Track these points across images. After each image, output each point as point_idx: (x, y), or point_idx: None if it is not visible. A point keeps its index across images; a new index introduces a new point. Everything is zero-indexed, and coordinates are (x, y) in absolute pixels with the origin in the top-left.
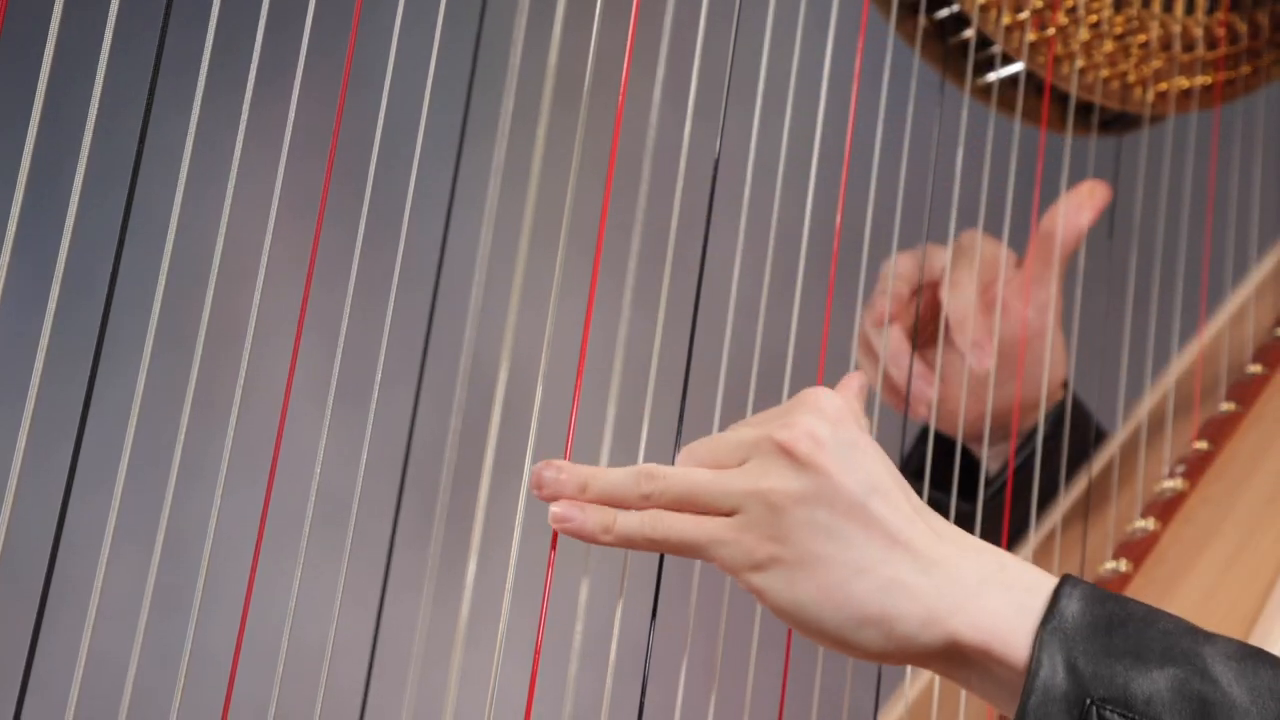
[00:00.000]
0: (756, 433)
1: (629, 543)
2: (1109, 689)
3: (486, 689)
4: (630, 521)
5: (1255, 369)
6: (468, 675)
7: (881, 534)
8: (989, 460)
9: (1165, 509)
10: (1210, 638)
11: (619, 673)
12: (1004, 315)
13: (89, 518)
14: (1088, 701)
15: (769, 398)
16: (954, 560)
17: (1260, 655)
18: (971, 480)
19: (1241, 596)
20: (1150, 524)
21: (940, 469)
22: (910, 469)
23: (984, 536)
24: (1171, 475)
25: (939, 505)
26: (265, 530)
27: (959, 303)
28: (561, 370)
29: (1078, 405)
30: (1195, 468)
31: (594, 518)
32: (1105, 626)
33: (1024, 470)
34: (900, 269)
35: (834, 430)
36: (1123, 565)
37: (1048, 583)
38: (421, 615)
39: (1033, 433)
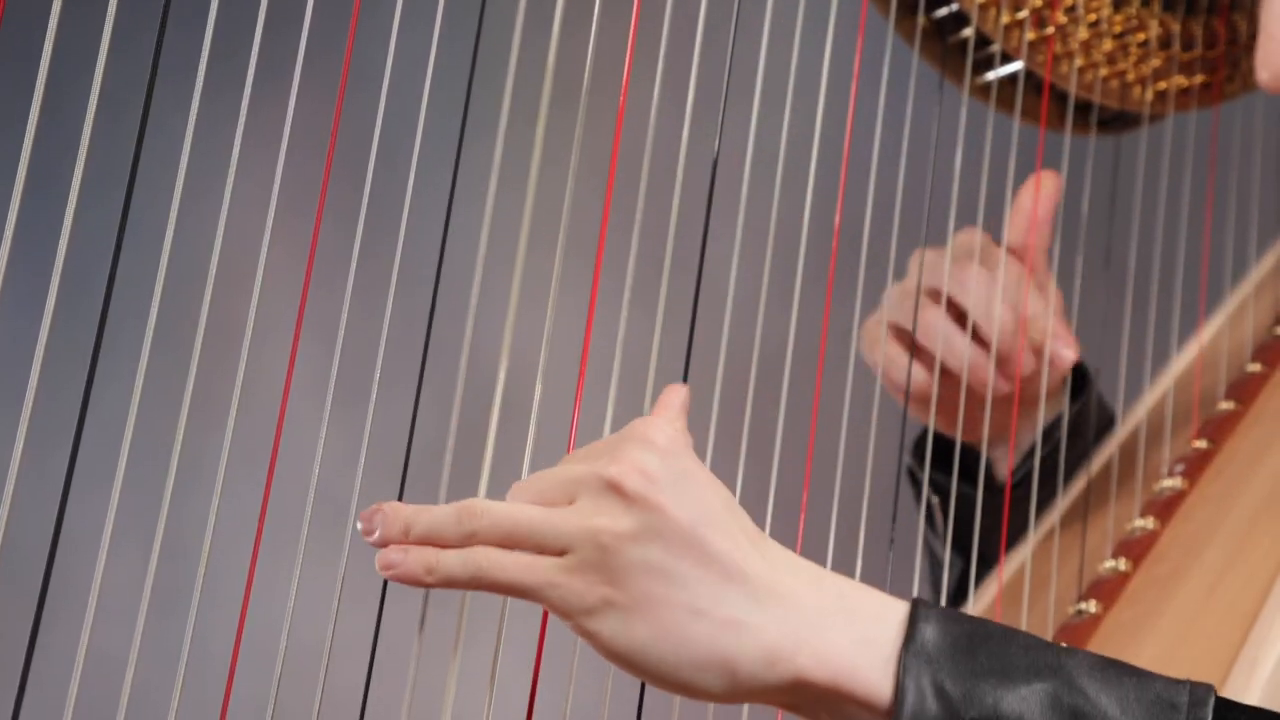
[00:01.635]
0: (584, 469)
1: (452, 582)
2: (980, 709)
3: (486, 688)
4: (452, 561)
5: (1255, 367)
6: (468, 675)
7: (717, 569)
8: (998, 460)
9: (1165, 508)
10: (1069, 651)
11: (619, 672)
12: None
13: (88, 517)
14: None
15: (768, 397)
16: (793, 592)
17: (1119, 664)
18: (987, 477)
19: (1241, 595)
20: (1150, 523)
21: (948, 465)
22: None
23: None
24: (1171, 474)
25: (947, 491)
26: (264, 529)
27: (980, 298)
28: (561, 369)
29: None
30: (1195, 466)
31: (416, 558)
32: (967, 646)
33: (1047, 463)
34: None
35: (664, 462)
36: (1122, 564)
37: (894, 608)
38: (421, 614)
39: (1051, 428)
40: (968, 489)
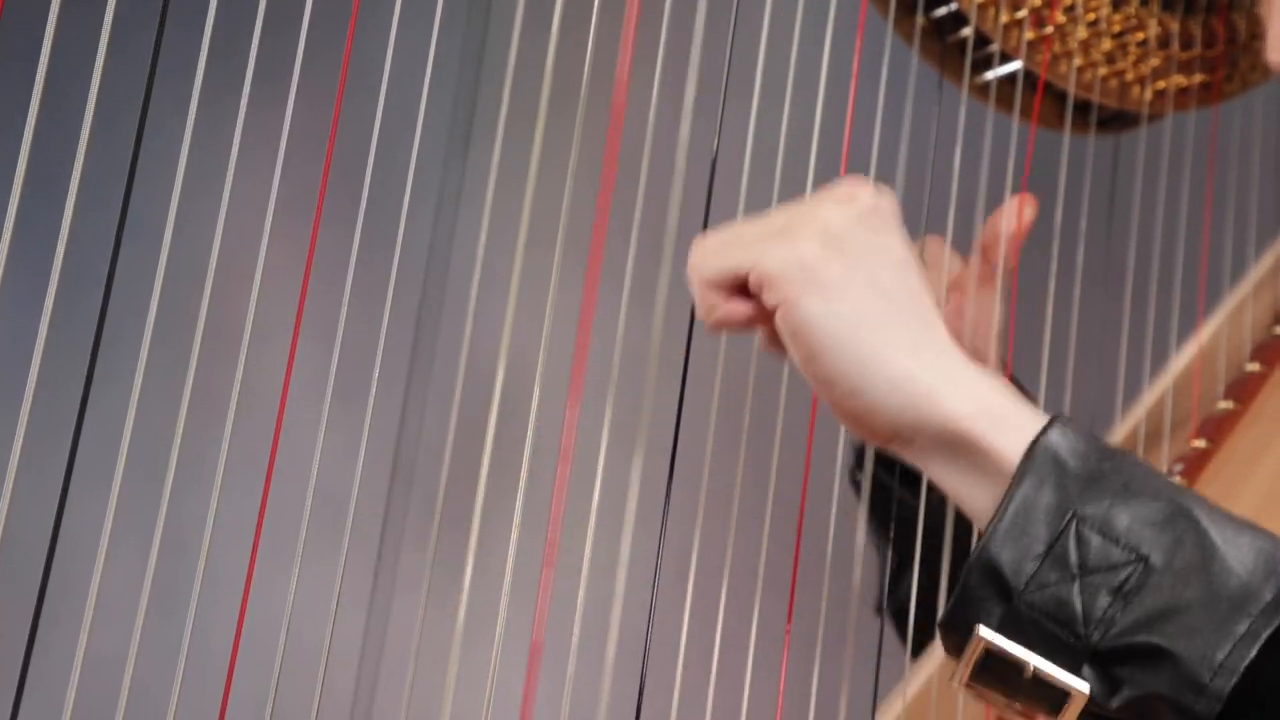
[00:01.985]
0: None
1: (709, 280)
2: (1094, 510)
3: (484, 688)
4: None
5: (1253, 367)
6: (466, 675)
7: (921, 304)
8: None
9: None
10: (1198, 495)
11: (617, 672)
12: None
13: (87, 517)
14: (1070, 515)
15: (766, 396)
16: (967, 362)
17: (1244, 520)
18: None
19: None
20: None
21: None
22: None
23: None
24: (1170, 473)
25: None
26: (263, 530)
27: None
28: (559, 369)
29: None
30: (1194, 466)
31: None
32: (1097, 456)
33: None
34: None
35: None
36: None
37: (1038, 412)
38: (419, 615)
39: None
40: (907, 493)
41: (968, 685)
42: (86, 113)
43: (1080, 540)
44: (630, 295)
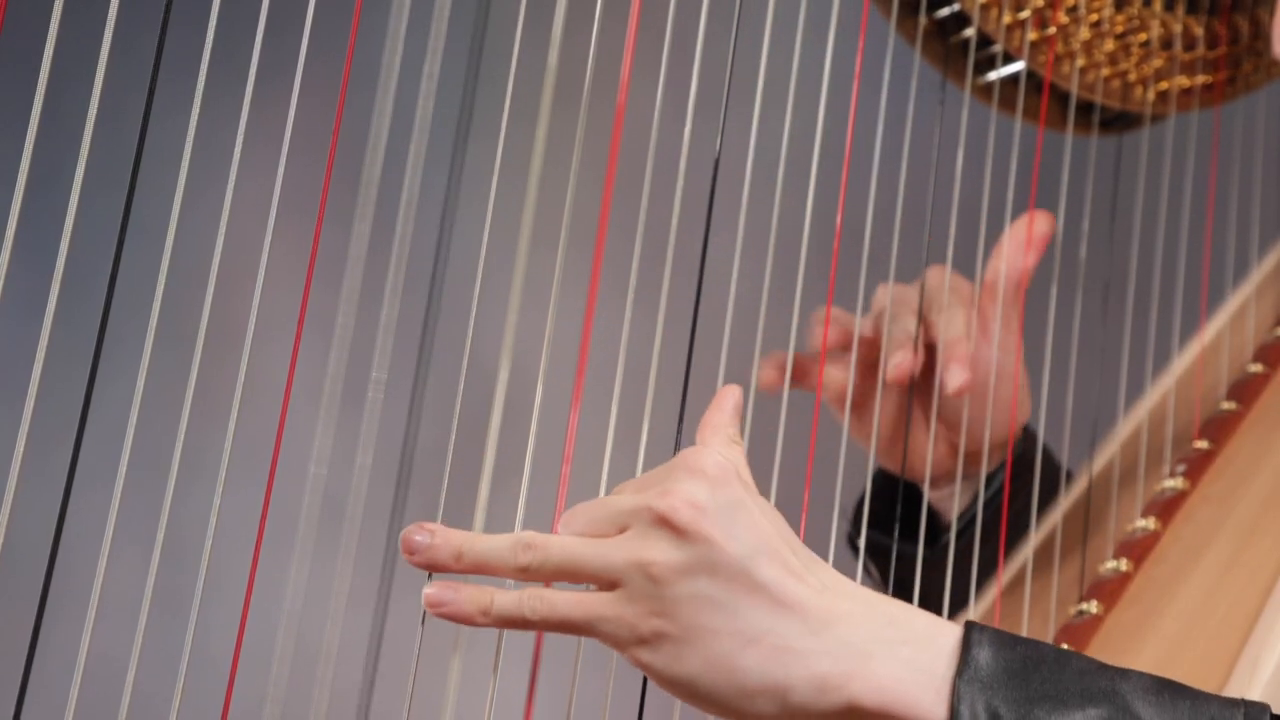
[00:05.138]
0: (635, 500)
1: (508, 623)
2: None
3: (487, 691)
4: (507, 601)
5: (1256, 368)
6: (468, 677)
7: (768, 599)
8: (941, 501)
9: (1166, 508)
10: (1124, 673)
11: (620, 674)
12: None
13: (89, 518)
14: None
15: (769, 398)
16: (845, 619)
17: (1175, 686)
18: (930, 525)
19: (1243, 595)
20: (1151, 523)
21: (890, 515)
22: (867, 510)
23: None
24: (1172, 474)
25: (898, 552)
26: (265, 531)
27: (953, 329)
28: (562, 370)
29: (1046, 451)
30: (1196, 467)
31: (469, 599)
32: (1021, 671)
33: (989, 510)
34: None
35: (714, 493)
36: (1123, 565)
37: (947, 632)
38: (422, 616)
39: (991, 477)
40: (908, 546)
41: None
42: (89, 112)
43: None
44: (633, 296)
